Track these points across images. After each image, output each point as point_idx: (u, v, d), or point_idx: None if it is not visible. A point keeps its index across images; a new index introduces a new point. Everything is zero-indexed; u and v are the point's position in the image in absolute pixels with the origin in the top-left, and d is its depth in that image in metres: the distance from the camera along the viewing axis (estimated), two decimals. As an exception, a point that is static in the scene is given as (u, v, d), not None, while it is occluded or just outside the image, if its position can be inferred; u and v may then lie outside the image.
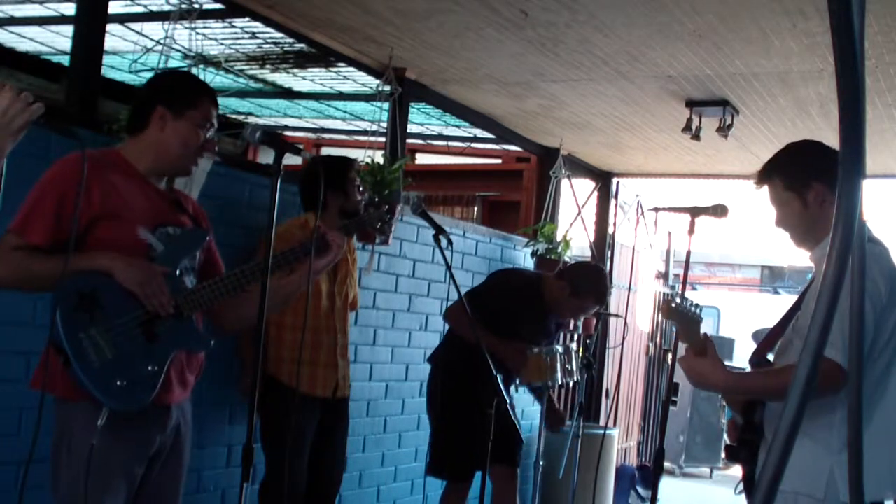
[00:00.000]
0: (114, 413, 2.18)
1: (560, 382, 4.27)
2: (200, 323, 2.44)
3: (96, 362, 2.16)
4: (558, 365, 4.20)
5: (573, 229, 6.63)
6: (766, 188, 2.52)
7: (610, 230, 7.54)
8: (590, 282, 4.30)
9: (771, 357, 2.51)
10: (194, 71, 3.74)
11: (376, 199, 3.83)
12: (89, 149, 2.30)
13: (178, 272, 2.34)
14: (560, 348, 4.26)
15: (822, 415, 2.14)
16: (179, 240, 2.39)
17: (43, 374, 2.23)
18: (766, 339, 2.52)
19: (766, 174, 2.50)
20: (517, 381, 4.34)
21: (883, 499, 2.25)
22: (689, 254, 2.97)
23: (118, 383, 2.18)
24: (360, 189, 3.81)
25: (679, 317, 2.27)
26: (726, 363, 2.56)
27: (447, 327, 4.31)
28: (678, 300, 2.28)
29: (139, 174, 2.36)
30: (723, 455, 9.11)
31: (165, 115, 2.35)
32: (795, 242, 2.51)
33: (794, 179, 2.41)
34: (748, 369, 2.54)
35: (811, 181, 2.37)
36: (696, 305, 2.33)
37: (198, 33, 3.85)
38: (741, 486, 2.48)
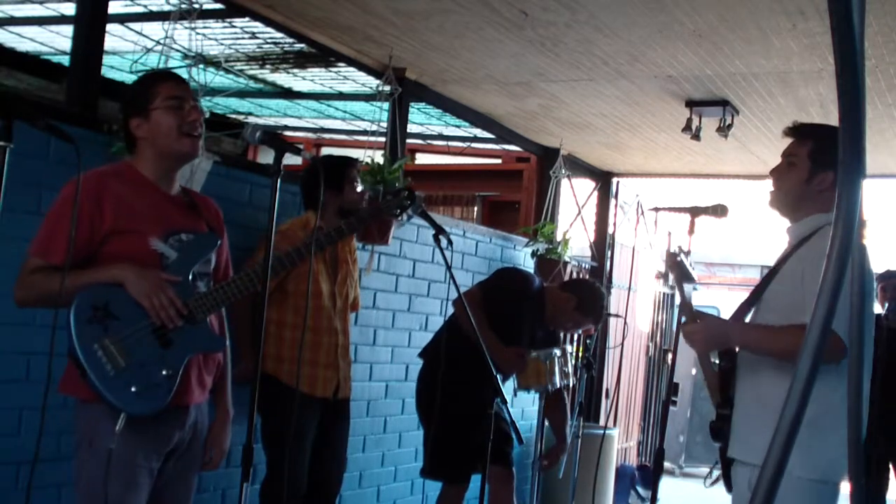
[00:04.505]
0: (132, 416, 2.27)
1: (558, 386, 4.29)
2: (216, 322, 2.53)
3: (111, 371, 2.25)
4: (556, 369, 4.21)
5: (573, 229, 6.62)
6: (789, 139, 2.56)
7: (610, 230, 7.53)
8: (595, 302, 4.38)
9: None
10: (194, 71, 3.74)
11: (396, 186, 3.87)
12: (93, 161, 2.44)
13: (190, 277, 2.41)
14: (558, 352, 4.26)
15: (778, 389, 2.25)
16: (192, 245, 2.46)
17: (53, 378, 2.33)
18: (733, 317, 2.64)
19: (804, 133, 2.55)
20: (514, 385, 4.34)
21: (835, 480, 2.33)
22: (689, 254, 2.97)
23: (133, 390, 2.26)
24: (360, 188, 3.82)
25: (679, 270, 2.57)
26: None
27: (445, 321, 4.30)
28: (683, 255, 2.59)
29: (150, 182, 2.44)
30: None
31: (139, 123, 2.42)
32: (774, 201, 2.58)
33: (820, 155, 2.47)
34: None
35: (829, 169, 2.43)
36: (692, 266, 2.61)
37: (198, 33, 3.85)
38: (713, 477, 2.58)
